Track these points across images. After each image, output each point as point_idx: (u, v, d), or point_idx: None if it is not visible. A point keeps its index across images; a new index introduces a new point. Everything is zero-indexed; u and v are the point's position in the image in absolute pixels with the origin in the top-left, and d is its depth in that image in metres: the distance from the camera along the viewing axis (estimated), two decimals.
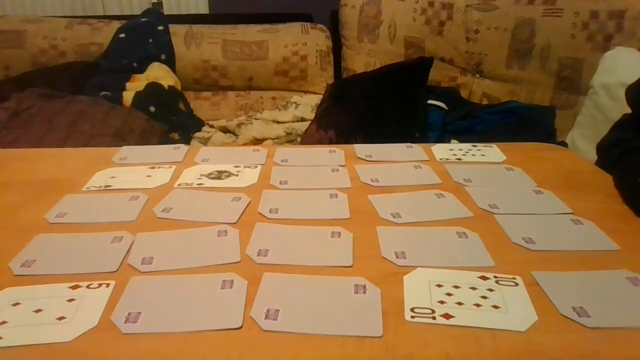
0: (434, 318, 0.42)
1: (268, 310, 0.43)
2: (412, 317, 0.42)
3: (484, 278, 0.47)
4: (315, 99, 1.74)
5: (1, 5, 2.04)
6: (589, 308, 0.43)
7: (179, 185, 0.67)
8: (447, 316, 0.42)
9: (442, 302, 0.44)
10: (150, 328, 0.41)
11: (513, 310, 0.43)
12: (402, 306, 0.43)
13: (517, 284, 0.46)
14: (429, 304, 0.44)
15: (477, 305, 0.44)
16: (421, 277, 0.47)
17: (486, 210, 0.60)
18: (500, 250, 0.52)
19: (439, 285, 0.46)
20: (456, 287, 0.46)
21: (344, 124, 1.42)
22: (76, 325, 0.41)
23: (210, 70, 1.86)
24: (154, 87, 1.67)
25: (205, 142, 1.61)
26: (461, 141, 1.32)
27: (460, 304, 0.44)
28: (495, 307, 0.43)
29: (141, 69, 1.74)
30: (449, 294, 0.45)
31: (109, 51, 1.80)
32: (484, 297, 0.44)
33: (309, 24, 1.92)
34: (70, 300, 0.44)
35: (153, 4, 2.04)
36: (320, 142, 1.37)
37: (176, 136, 1.58)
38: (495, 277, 0.47)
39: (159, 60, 1.78)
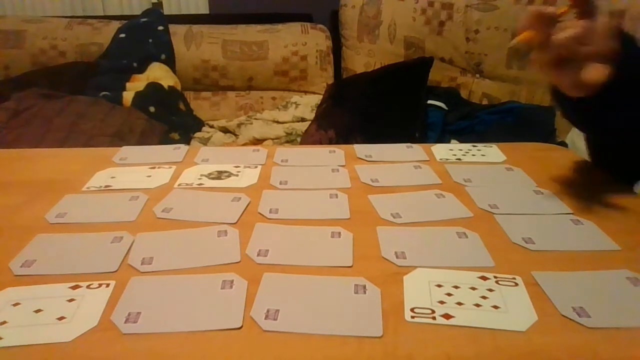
0: (434, 318, 0.42)
1: (268, 311, 0.43)
2: (412, 317, 0.42)
3: (484, 278, 0.47)
4: (315, 99, 1.74)
5: (1, 5, 2.04)
6: (589, 308, 0.43)
7: (179, 185, 0.67)
8: (447, 316, 0.42)
9: (442, 302, 0.44)
10: (150, 328, 0.41)
11: (513, 310, 0.43)
12: (402, 306, 0.43)
13: (517, 284, 0.46)
14: (429, 304, 0.44)
15: (477, 305, 0.44)
16: (421, 277, 0.47)
17: (486, 211, 0.60)
18: (500, 250, 0.52)
19: (439, 286, 0.46)
20: (456, 287, 0.46)
21: (343, 124, 1.42)
22: (76, 325, 0.41)
23: (210, 70, 1.86)
24: (154, 87, 1.67)
25: (205, 142, 1.61)
26: (461, 141, 1.32)
27: (460, 304, 0.44)
28: (495, 307, 0.43)
29: (141, 69, 1.75)
30: (449, 294, 0.45)
31: (109, 51, 1.81)
32: (484, 297, 0.44)
33: (309, 24, 1.92)
34: (70, 300, 0.44)
35: (153, 4, 2.04)
36: (320, 142, 1.37)
37: (176, 136, 1.58)
38: (495, 277, 0.47)
39: (159, 60, 1.78)
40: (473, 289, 0.46)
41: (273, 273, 0.48)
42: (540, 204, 0.62)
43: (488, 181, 0.69)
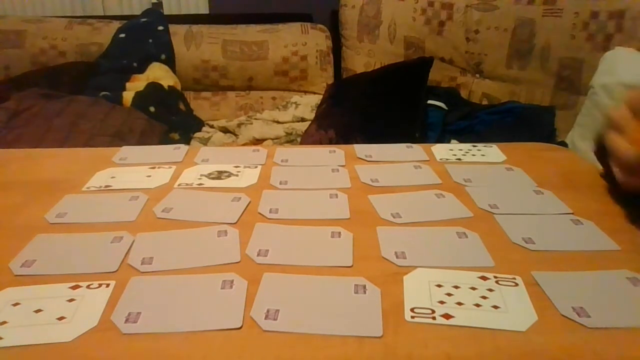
0: (434, 318, 0.42)
1: (268, 311, 0.43)
2: (412, 317, 0.42)
3: (484, 278, 0.47)
4: (315, 99, 1.74)
5: (1, 5, 2.04)
6: (589, 308, 0.43)
7: (179, 185, 0.67)
8: (447, 316, 0.42)
9: (442, 302, 0.44)
10: (150, 328, 0.41)
11: (513, 310, 0.43)
12: (402, 306, 0.43)
13: (517, 284, 0.46)
14: (429, 304, 0.44)
15: (477, 305, 0.44)
16: (421, 277, 0.47)
17: (486, 210, 0.60)
18: (500, 250, 0.52)
19: (439, 286, 0.46)
20: (456, 287, 0.46)
21: (343, 124, 1.42)
22: (76, 325, 0.41)
23: (210, 70, 1.86)
24: (154, 87, 1.67)
25: (205, 142, 1.61)
26: (461, 141, 1.32)
27: (460, 304, 0.44)
28: (495, 307, 0.43)
29: (141, 69, 1.75)
30: (449, 294, 0.45)
31: (109, 51, 1.81)
32: (484, 297, 0.44)
33: (309, 24, 1.92)
34: (70, 300, 0.44)
35: (153, 4, 2.04)
36: (320, 142, 1.37)
37: (176, 136, 1.59)
38: (495, 277, 0.47)
39: (159, 60, 1.78)
40: (473, 289, 0.46)
41: (273, 273, 0.48)
42: (540, 204, 0.62)
43: (488, 181, 0.69)
